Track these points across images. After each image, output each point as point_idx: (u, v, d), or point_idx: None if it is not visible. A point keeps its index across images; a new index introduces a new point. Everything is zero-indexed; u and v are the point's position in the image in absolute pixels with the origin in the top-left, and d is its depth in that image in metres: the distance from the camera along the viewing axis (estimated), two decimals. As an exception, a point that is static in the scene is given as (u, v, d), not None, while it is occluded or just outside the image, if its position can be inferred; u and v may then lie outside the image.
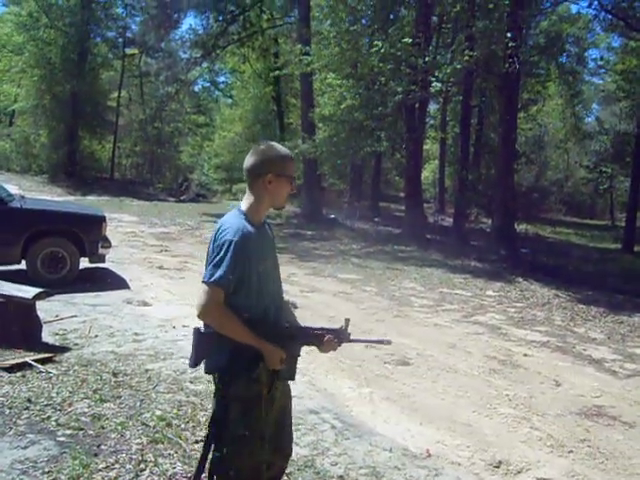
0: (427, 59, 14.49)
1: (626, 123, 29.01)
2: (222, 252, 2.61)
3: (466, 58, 13.41)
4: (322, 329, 2.90)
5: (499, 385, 5.96)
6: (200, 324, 2.78)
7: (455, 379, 6.02)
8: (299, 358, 2.89)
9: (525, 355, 7.04)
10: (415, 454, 4.42)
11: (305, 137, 19.81)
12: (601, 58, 30.60)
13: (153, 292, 8.93)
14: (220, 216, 2.93)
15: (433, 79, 14.04)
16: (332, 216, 21.91)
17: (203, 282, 2.63)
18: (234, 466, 2.70)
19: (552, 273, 13.36)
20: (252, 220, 2.77)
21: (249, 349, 2.66)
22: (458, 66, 13.53)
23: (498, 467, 4.35)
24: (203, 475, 2.81)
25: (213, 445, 2.75)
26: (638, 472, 4.46)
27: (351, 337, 2.90)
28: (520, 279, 12.45)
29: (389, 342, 3.20)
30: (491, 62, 16.18)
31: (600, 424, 5.25)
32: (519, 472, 4.31)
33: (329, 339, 2.84)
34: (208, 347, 2.74)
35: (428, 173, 35.31)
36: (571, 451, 4.68)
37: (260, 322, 2.71)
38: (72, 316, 7.33)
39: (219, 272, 2.58)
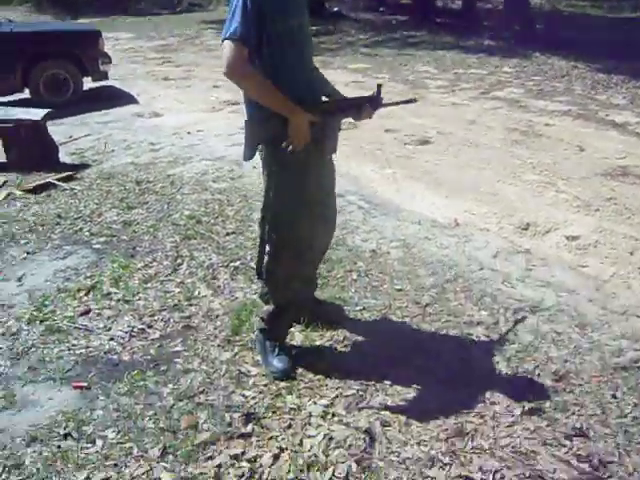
0: None
1: None
2: (234, 6, 2.40)
3: None
4: (358, 98, 2.74)
5: (522, 154, 5.89)
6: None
7: (477, 153, 5.96)
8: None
9: (547, 125, 6.90)
10: (444, 224, 4.48)
11: None
12: None
13: (162, 103, 8.73)
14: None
15: None
16: (335, 9, 20.78)
17: (222, 41, 2.44)
18: (280, 235, 2.72)
19: (569, 46, 12.76)
20: None
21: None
22: None
23: (526, 229, 4.40)
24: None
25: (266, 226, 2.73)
26: (665, 222, 4.49)
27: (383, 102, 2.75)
28: (537, 54, 11.94)
29: (415, 100, 3.08)
30: None
31: (626, 183, 5.22)
32: (547, 232, 4.36)
33: (366, 107, 2.70)
34: (252, 131, 2.63)
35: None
36: (597, 210, 4.71)
37: (294, 89, 2.52)
38: (86, 135, 7.25)
39: (234, 25, 2.39)
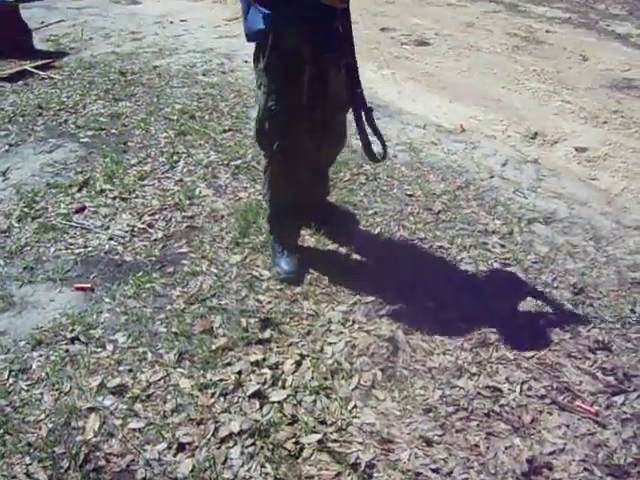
0: None
1: None
2: None
3: None
4: None
5: (525, 61, 5.67)
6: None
7: (479, 57, 5.72)
8: None
9: (548, 32, 6.64)
10: (449, 129, 4.32)
11: None
12: None
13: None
14: None
15: None
16: None
17: None
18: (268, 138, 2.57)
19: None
20: None
21: None
22: None
23: (534, 138, 4.27)
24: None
25: None
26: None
27: None
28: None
29: None
30: None
31: (632, 96, 5.07)
32: (555, 142, 4.24)
33: None
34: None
35: None
36: (605, 122, 4.57)
37: None
38: (59, 21, 6.82)
39: None
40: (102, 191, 3.46)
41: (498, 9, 7.52)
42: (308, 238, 3.03)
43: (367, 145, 2.49)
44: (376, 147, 2.55)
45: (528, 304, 2.66)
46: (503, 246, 3.06)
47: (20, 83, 5.02)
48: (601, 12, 7.85)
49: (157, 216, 3.22)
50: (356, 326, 2.49)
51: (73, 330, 2.45)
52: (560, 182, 3.74)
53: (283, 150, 2.53)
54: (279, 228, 2.84)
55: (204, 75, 5.11)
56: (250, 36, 2.44)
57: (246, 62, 5.38)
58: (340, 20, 2.32)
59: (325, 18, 2.29)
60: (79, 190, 3.49)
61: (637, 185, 3.77)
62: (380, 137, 2.54)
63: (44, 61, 5.43)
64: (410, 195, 3.43)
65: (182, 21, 6.67)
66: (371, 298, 2.63)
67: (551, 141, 4.25)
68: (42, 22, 6.74)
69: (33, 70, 5.23)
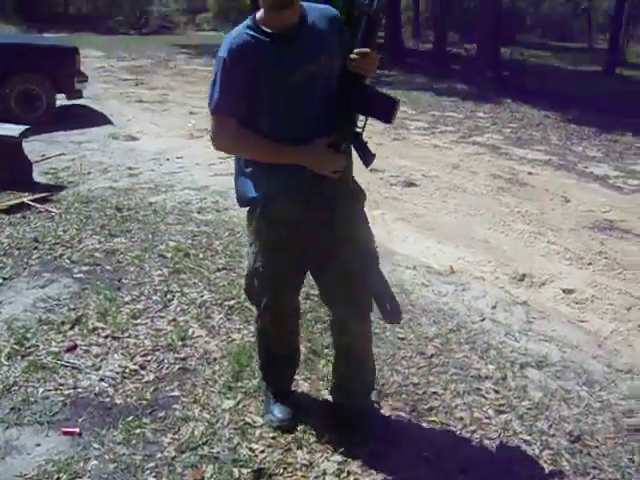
0: None
1: None
2: (214, 72, 2.21)
3: None
4: None
5: (509, 202, 5.90)
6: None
7: (464, 198, 5.94)
8: None
9: (530, 173, 6.96)
10: (439, 271, 4.41)
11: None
12: None
13: (138, 126, 8.55)
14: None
15: None
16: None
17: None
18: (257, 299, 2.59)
19: (537, 95, 13.07)
20: (262, 24, 2.18)
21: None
22: None
23: (522, 280, 4.36)
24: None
25: None
26: (656, 281, 4.52)
27: None
28: (508, 100, 12.19)
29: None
30: None
31: (614, 237, 5.26)
32: (543, 284, 4.33)
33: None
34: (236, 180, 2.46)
35: (402, -4, 33.63)
36: (590, 263, 4.71)
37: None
38: (59, 154, 7.01)
39: (214, 95, 2.20)
40: (94, 329, 3.45)
41: (481, 151, 7.89)
42: (302, 383, 3.00)
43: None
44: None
45: (526, 452, 2.62)
46: (497, 392, 3.05)
47: (18, 216, 5.09)
48: (579, 154, 8.25)
49: (149, 357, 3.19)
50: (351, 477, 2.43)
51: (59, 478, 2.37)
52: (550, 324, 3.79)
53: (269, 309, 2.54)
54: (271, 376, 2.82)
55: (199, 213, 5.24)
56: (241, 202, 2.46)
57: (240, 200, 5.55)
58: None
59: (318, 187, 2.26)
60: (71, 328, 3.47)
61: (625, 327, 3.83)
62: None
63: (42, 194, 5.54)
64: (402, 339, 3.45)
65: (178, 158, 6.91)
66: (366, 448, 2.58)
67: (539, 283, 4.34)
68: (43, 155, 6.94)
69: (31, 203, 5.33)
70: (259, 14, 2.20)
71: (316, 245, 2.39)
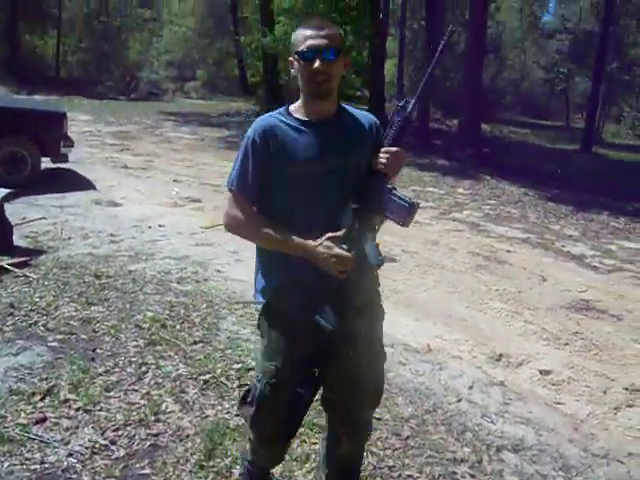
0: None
1: (588, 22, 28.72)
2: (240, 150, 2.22)
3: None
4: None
5: (487, 280, 5.96)
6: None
7: (443, 275, 6.00)
8: None
9: (508, 251, 7.06)
10: (416, 349, 4.40)
11: (265, 31, 18.95)
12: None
13: (121, 192, 8.59)
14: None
15: (402, -31, 13.43)
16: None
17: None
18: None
19: (517, 172, 13.40)
20: (295, 112, 2.21)
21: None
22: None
23: (499, 360, 4.37)
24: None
25: None
26: (631, 362, 4.55)
27: None
28: (488, 177, 12.46)
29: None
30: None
31: (590, 317, 5.31)
32: (520, 364, 4.34)
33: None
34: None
35: (386, 72, 34.59)
36: (567, 344, 4.74)
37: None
38: (41, 218, 7.01)
39: (234, 173, 2.22)
40: (66, 401, 3.38)
41: (461, 228, 8.01)
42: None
43: None
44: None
45: None
46: (473, 476, 3.02)
47: (-5, 280, 5.05)
48: (556, 232, 8.40)
49: (120, 432, 3.13)
50: None
51: None
52: (527, 406, 3.78)
53: (256, 425, 2.42)
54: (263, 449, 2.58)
55: (178, 283, 5.23)
56: (255, 291, 2.41)
57: (218, 272, 5.57)
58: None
59: (326, 286, 2.16)
60: (42, 399, 3.40)
61: (601, 410, 3.84)
62: None
63: (21, 259, 5.51)
64: (378, 419, 3.41)
65: (160, 226, 6.93)
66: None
67: (516, 363, 4.35)
68: (24, 218, 6.93)
69: (9, 267, 5.29)
70: (294, 104, 2.24)
71: (322, 348, 2.27)
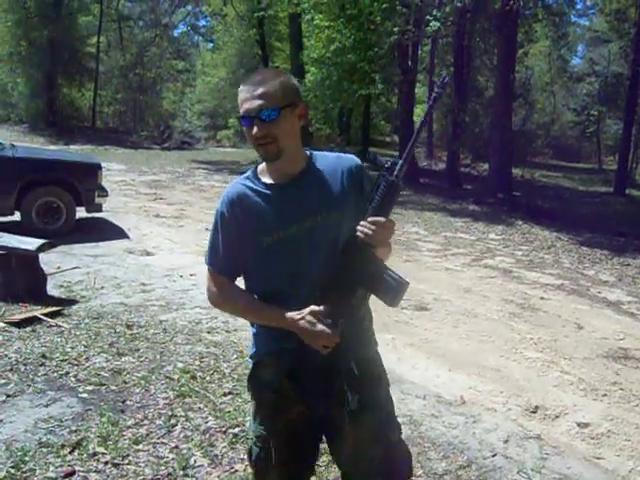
0: (422, -3, 14.06)
1: (617, 65, 28.71)
2: (211, 228, 2.14)
3: (467, -5, 12.99)
4: None
5: (521, 329, 5.85)
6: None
7: (476, 324, 5.90)
8: None
9: (542, 298, 6.93)
10: (449, 401, 4.30)
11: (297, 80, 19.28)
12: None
13: (154, 241, 8.70)
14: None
15: (430, 18, 13.61)
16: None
17: None
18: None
19: (549, 216, 13.29)
20: (262, 174, 2.09)
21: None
22: (458, 4, 13.09)
23: (535, 412, 4.25)
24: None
25: None
26: (673, 414, 4.39)
27: None
28: (520, 222, 12.34)
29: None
30: (486, 1, 15.73)
31: (629, 367, 5.16)
32: (557, 417, 4.21)
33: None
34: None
35: (415, 117, 34.88)
36: (605, 395, 4.60)
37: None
38: (74, 267, 7.10)
39: (208, 249, 2.15)
40: (94, 454, 3.36)
41: (493, 274, 7.91)
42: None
43: None
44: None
45: None
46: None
47: (28, 329, 5.10)
48: (591, 278, 8.24)
49: (149, 487, 3.10)
50: None
51: None
52: (565, 461, 3.65)
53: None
54: None
55: (208, 333, 5.22)
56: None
57: (250, 321, 5.54)
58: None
59: (310, 354, 2.03)
60: (71, 452, 3.39)
61: (644, 466, 3.69)
62: None
63: (54, 308, 5.57)
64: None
65: (191, 275, 6.97)
66: None
67: (552, 415, 4.22)
68: (58, 267, 7.04)
69: (42, 317, 5.34)
70: (262, 164, 2.11)
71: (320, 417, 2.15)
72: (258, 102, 1.93)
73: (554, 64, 35.17)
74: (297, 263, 2.04)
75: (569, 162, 35.92)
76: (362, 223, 1.91)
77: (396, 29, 14.64)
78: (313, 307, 1.98)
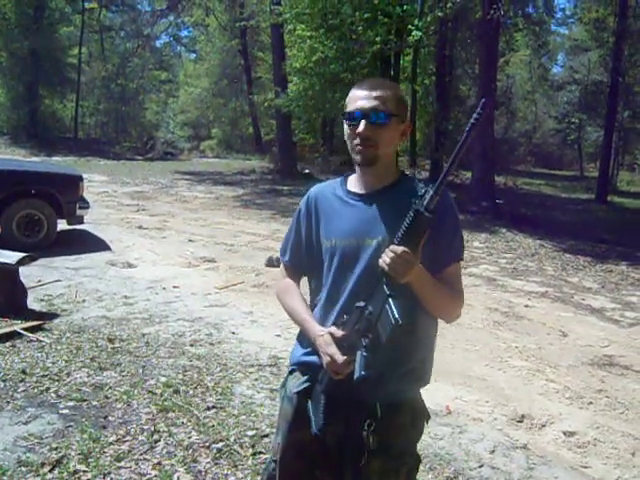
0: (405, 7, 14.09)
1: (597, 73, 29.03)
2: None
3: (449, 5, 13.02)
4: None
5: (506, 337, 5.84)
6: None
7: (461, 332, 5.88)
8: None
9: (526, 306, 6.94)
10: (435, 411, 4.26)
11: (278, 91, 19.32)
12: (573, 6, 30.36)
13: (136, 253, 8.62)
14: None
15: (412, 27, 13.67)
16: (307, 171, 21.64)
17: None
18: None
19: (532, 223, 13.35)
20: (350, 183, 2.09)
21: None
22: (440, 14, 13.16)
23: (521, 421, 4.23)
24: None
25: None
26: (660, 421, 4.39)
27: None
28: (503, 230, 12.38)
29: None
30: (467, 11, 15.85)
31: (614, 374, 5.17)
32: (543, 426, 4.19)
33: None
34: None
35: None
36: (590, 402, 4.59)
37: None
38: (55, 280, 7.01)
39: (283, 240, 2.25)
40: (75, 472, 3.29)
41: (478, 283, 7.91)
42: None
43: None
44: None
45: None
46: None
47: (8, 344, 5.01)
48: (575, 285, 8.27)
49: (130, 508, 3.03)
50: None
51: None
52: (552, 471, 3.64)
53: None
54: None
55: (191, 345, 5.16)
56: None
57: (233, 333, 5.50)
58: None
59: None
60: (51, 470, 3.31)
61: (631, 474, 3.69)
62: None
63: (35, 322, 5.48)
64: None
65: (174, 287, 6.90)
66: None
67: (539, 424, 4.21)
68: (39, 281, 6.94)
69: (22, 332, 5.26)
70: (354, 174, 2.10)
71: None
72: (373, 103, 1.91)
73: (535, 72, 35.51)
74: (341, 277, 2.00)
75: (551, 169, 36.26)
76: (385, 251, 1.82)
77: (378, 39, 14.71)
78: (334, 328, 1.93)
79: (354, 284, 1.97)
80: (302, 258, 2.17)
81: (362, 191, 2.03)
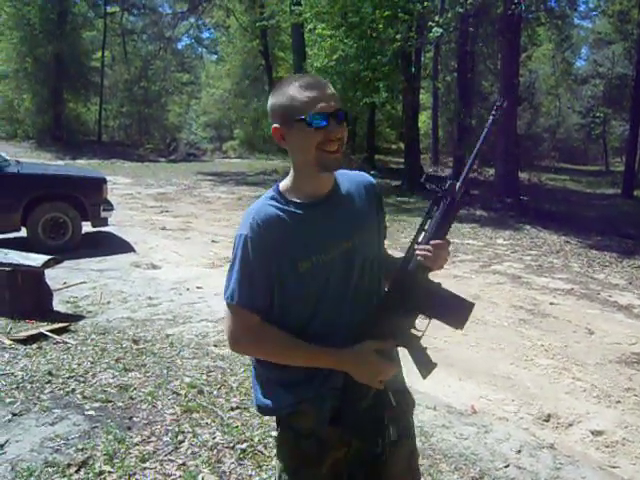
0: (426, 4, 14.03)
1: (621, 66, 28.63)
2: (233, 255, 1.86)
3: (470, 1, 12.92)
4: None
5: (532, 335, 5.77)
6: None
7: (486, 331, 5.83)
8: None
9: (552, 304, 6.85)
10: (460, 411, 4.24)
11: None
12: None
13: (160, 254, 8.68)
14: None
15: (433, 24, 13.60)
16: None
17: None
18: None
19: (557, 220, 13.17)
20: (289, 194, 1.87)
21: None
22: (460, 10, 13.07)
23: (547, 421, 4.18)
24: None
25: None
26: (690, 420, 4.30)
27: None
28: (528, 227, 12.25)
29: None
30: (488, 6, 15.72)
31: (642, 372, 5.09)
32: (570, 425, 4.14)
33: None
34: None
35: (420, 124, 34.84)
36: (618, 401, 4.52)
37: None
38: (81, 282, 7.08)
39: (232, 284, 1.84)
40: (101, 473, 3.32)
41: (502, 280, 7.83)
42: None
43: None
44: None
45: None
46: None
47: (34, 346, 5.07)
48: (601, 282, 8.15)
49: (155, 507, 3.05)
50: None
51: None
52: (579, 471, 3.58)
53: None
54: None
55: (215, 346, 5.18)
56: (260, 409, 1.98)
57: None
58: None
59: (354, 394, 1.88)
60: (77, 470, 3.34)
61: (660, 475, 3.61)
62: None
63: (60, 324, 5.54)
64: (422, 487, 3.27)
65: (198, 288, 6.94)
66: None
67: (565, 424, 4.15)
68: (64, 283, 7.02)
69: (48, 334, 5.32)
70: (284, 182, 1.91)
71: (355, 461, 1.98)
72: (333, 102, 1.79)
73: (558, 67, 35.15)
74: (335, 287, 1.86)
75: (576, 165, 35.80)
76: (422, 247, 1.83)
77: (399, 36, 14.63)
78: (369, 342, 1.84)
79: (352, 290, 1.90)
80: (267, 296, 1.85)
81: (310, 200, 1.87)
